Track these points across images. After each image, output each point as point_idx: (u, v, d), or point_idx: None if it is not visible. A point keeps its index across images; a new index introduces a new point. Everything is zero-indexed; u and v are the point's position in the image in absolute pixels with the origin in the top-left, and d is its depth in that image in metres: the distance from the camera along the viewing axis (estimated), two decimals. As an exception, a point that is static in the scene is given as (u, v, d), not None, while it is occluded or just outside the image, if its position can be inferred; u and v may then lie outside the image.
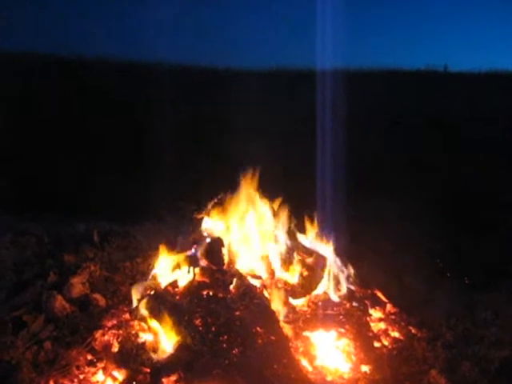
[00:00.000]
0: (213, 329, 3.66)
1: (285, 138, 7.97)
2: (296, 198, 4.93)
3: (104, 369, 3.82)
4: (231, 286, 3.98)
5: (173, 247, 4.25)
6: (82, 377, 3.85)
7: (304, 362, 3.99)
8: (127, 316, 4.06)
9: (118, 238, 5.85)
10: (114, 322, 4.14)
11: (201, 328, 3.65)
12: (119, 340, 3.90)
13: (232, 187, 4.46)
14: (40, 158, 8.58)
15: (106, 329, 4.07)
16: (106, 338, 4.03)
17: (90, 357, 3.95)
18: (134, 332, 3.90)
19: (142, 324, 3.90)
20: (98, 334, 4.02)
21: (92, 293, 4.82)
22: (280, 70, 13.76)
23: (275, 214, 4.59)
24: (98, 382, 3.81)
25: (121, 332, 3.96)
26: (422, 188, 7.87)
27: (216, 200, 4.46)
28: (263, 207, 4.54)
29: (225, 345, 3.60)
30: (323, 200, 5.51)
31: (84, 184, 7.78)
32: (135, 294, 4.06)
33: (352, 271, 4.83)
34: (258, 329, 3.79)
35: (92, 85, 10.58)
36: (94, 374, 3.86)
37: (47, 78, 10.70)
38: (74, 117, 9.53)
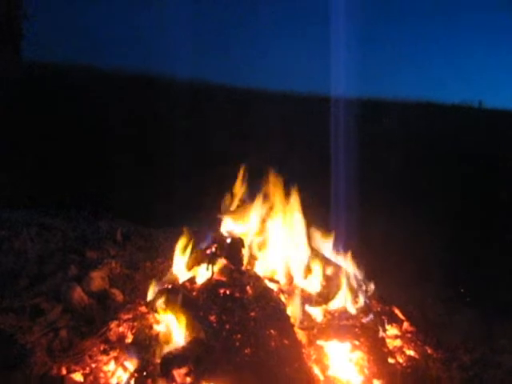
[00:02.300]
0: (227, 326, 3.66)
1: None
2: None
3: (116, 358, 3.84)
4: (248, 287, 3.97)
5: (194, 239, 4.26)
6: (94, 365, 3.87)
7: (316, 371, 3.94)
8: (143, 309, 4.07)
9: (141, 238, 5.91)
10: (130, 315, 4.16)
11: (215, 324, 3.65)
12: (133, 331, 3.92)
13: (255, 190, 4.47)
14: (69, 156, 8.70)
15: (122, 321, 4.09)
16: (121, 329, 4.05)
17: (103, 347, 3.95)
18: (148, 324, 3.91)
19: (157, 317, 3.91)
20: (113, 325, 4.06)
21: (111, 288, 4.85)
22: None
23: (299, 220, 4.57)
24: (109, 371, 3.81)
25: (135, 324, 3.97)
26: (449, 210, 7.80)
27: (239, 201, 4.47)
28: (288, 212, 4.54)
29: (237, 343, 3.59)
30: (343, 214, 5.50)
31: (111, 186, 7.86)
32: (153, 287, 4.08)
33: (371, 285, 4.78)
34: (272, 331, 3.77)
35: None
36: (106, 363, 3.88)
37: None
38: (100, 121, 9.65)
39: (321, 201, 5.38)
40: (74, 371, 3.83)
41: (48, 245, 5.77)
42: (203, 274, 4.09)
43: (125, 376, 3.70)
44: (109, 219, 6.46)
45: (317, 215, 4.90)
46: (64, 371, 3.84)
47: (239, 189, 4.68)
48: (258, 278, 4.11)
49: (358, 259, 4.95)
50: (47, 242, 5.84)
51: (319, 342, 4.17)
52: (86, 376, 3.80)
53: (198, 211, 5.08)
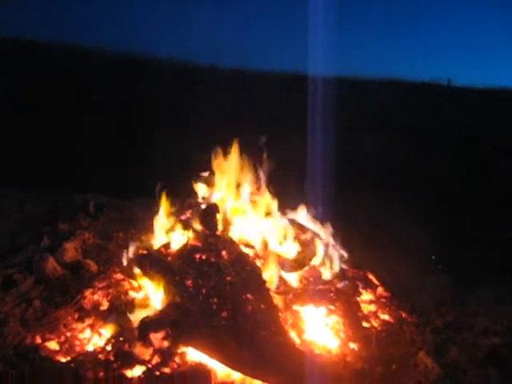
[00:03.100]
0: (203, 291, 3.65)
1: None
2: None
3: (91, 326, 3.81)
4: (223, 252, 3.95)
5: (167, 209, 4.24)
6: (69, 334, 3.83)
7: (292, 335, 3.96)
8: (118, 276, 4.04)
9: (114, 210, 5.85)
10: (105, 283, 4.13)
11: (191, 289, 3.64)
12: (108, 298, 3.89)
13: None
14: (42, 132, 8.57)
15: (96, 289, 4.06)
16: (96, 297, 4.03)
17: (78, 315, 3.92)
18: (123, 290, 3.88)
19: (133, 283, 3.89)
20: (87, 293, 4.03)
21: (84, 259, 4.80)
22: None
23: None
24: (84, 338, 3.78)
25: (111, 291, 3.94)
26: (421, 186, 7.86)
27: (211, 170, 4.45)
28: (261, 180, 4.53)
29: (214, 307, 3.59)
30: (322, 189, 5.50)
31: (84, 160, 7.77)
32: (128, 254, 4.05)
33: (345, 252, 4.81)
34: (249, 295, 3.77)
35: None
36: (81, 331, 3.86)
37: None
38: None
39: (299, 176, 5.35)
40: (49, 340, 3.80)
41: (20, 218, 5.68)
42: (178, 239, 4.06)
43: (101, 342, 3.66)
44: (82, 192, 6.35)
45: (295, 189, 4.91)
46: (39, 340, 3.80)
47: (214, 160, 4.65)
48: (233, 243, 4.10)
49: (334, 228, 4.96)
50: (20, 215, 5.74)
51: (295, 307, 4.18)
52: (61, 344, 3.77)
53: (172, 183, 5.01)
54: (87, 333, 3.82)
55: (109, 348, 3.53)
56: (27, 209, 5.84)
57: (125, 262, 4.05)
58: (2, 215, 5.65)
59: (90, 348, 3.68)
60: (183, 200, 4.38)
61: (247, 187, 4.48)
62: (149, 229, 4.28)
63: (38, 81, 9.86)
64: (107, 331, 3.71)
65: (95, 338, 3.75)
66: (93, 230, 5.34)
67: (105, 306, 3.92)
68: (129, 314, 3.68)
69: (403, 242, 5.85)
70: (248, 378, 3.49)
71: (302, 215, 4.79)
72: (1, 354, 3.61)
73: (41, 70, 10.50)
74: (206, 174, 4.54)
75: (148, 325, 3.44)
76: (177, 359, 3.42)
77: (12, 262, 4.72)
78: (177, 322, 3.45)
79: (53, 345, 3.75)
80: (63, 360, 3.59)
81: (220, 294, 3.68)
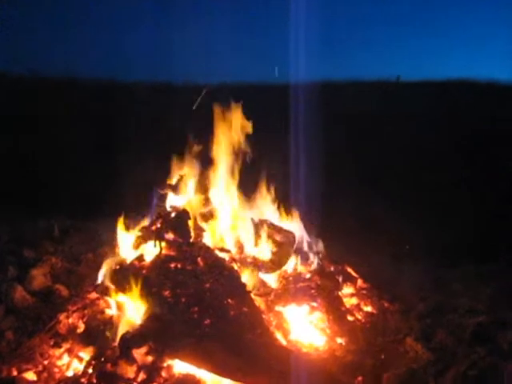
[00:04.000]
0: (182, 300, 3.53)
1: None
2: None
3: (69, 351, 3.65)
4: (199, 259, 3.84)
5: (135, 222, 4.11)
6: (46, 362, 3.67)
7: (278, 336, 3.87)
8: (92, 296, 3.88)
9: (80, 232, 5.69)
10: (79, 305, 3.96)
11: (170, 299, 3.52)
12: (84, 320, 3.73)
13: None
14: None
15: (70, 312, 3.89)
16: (71, 320, 3.86)
17: (54, 341, 3.76)
18: (99, 310, 3.74)
19: (108, 300, 3.74)
20: (61, 317, 3.86)
21: (54, 284, 4.64)
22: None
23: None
24: (63, 365, 3.62)
25: (86, 312, 3.79)
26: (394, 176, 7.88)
27: (180, 175, 4.34)
28: (230, 183, 4.44)
29: (196, 315, 3.48)
30: (297, 183, 5.43)
31: (45, 183, 7.57)
32: (101, 271, 3.90)
33: (322, 247, 4.75)
34: (230, 300, 3.67)
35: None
36: (59, 357, 3.69)
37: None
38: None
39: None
40: (26, 370, 3.61)
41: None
42: (151, 251, 3.93)
43: (81, 366, 3.50)
44: (46, 218, 6.17)
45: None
46: (15, 372, 3.61)
47: (178, 166, 4.55)
48: (208, 249, 4.00)
49: (308, 224, 4.89)
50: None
51: (278, 308, 4.10)
52: (39, 374, 3.60)
53: (135, 199, 4.89)
54: (66, 358, 3.66)
55: (90, 371, 3.36)
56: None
57: (99, 280, 3.89)
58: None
59: (70, 373, 3.52)
60: (151, 211, 4.24)
61: (215, 190, 4.38)
62: (119, 245, 4.12)
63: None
64: (86, 354, 3.54)
65: (75, 363, 3.59)
66: (60, 254, 5.20)
67: (81, 328, 3.75)
68: (107, 333, 3.51)
69: (377, 231, 5.81)
70: (239, 384, 3.38)
71: (274, 214, 4.70)
72: (-24, 390, 3.42)
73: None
74: (171, 181, 4.42)
75: (129, 341, 3.30)
76: (163, 373, 3.28)
77: (-22, 295, 4.52)
78: (159, 335, 3.31)
79: (30, 375, 3.58)
80: (43, 390, 3.41)
81: (200, 301, 3.56)
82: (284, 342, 3.84)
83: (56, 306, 4.34)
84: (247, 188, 4.73)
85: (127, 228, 4.12)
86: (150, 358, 3.28)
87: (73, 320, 3.86)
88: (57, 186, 7.40)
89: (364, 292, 4.68)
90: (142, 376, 3.24)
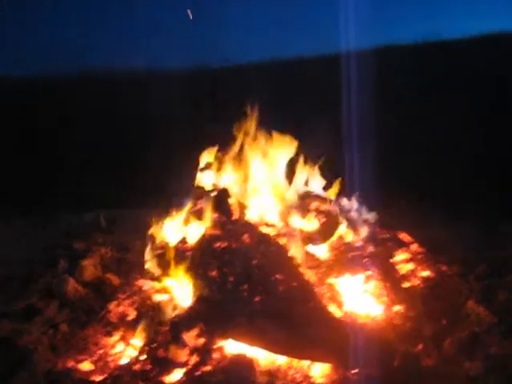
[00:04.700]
0: (231, 279, 3.45)
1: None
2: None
3: (122, 338, 3.63)
4: (244, 236, 3.75)
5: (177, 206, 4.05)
6: (101, 351, 3.65)
7: (332, 308, 3.75)
8: (140, 283, 3.85)
9: (126, 221, 5.69)
10: (128, 293, 3.93)
11: (218, 279, 3.43)
12: (134, 307, 3.70)
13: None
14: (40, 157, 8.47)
15: (120, 300, 3.87)
16: (121, 308, 3.83)
17: (106, 330, 3.75)
18: (148, 295, 3.70)
19: (156, 285, 3.69)
20: (111, 306, 3.84)
21: (105, 274, 4.63)
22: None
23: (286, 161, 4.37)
24: (117, 353, 3.60)
25: (135, 299, 3.75)
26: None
27: (219, 152, 4.24)
28: (273, 154, 4.32)
29: (245, 293, 3.39)
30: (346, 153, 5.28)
31: (87, 179, 7.63)
32: (146, 257, 3.85)
33: (372, 215, 4.58)
34: (278, 276, 3.57)
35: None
36: (113, 346, 3.66)
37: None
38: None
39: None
40: (81, 361, 3.60)
41: (34, 246, 5.52)
42: (195, 232, 3.86)
43: (135, 353, 3.47)
44: (92, 210, 6.20)
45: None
46: (70, 363, 3.60)
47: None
48: (252, 226, 3.90)
49: (356, 191, 4.73)
50: (33, 243, 5.59)
51: (330, 280, 3.97)
52: (94, 363, 3.59)
53: (178, 186, 4.82)
54: (119, 346, 3.63)
55: (143, 357, 3.32)
56: (40, 236, 5.68)
57: (146, 266, 3.84)
58: (14, 246, 5.49)
59: (124, 361, 3.48)
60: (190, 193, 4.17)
61: (259, 163, 4.26)
62: (163, 229, 4.07)
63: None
64: (139, 340, 3.50)
65: (128, 350, 3.56)
66: (109, 244, 5.16)
67: (132, 315, 3.72)
68: (157, 319, 3.47)
69: (429, 196, 5.61)
70: (294, 361, 3.28)
71: (318, 184, 4.55)
72: (33, 383, 3.42)
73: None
74: (210, 161, 4.33)
75: (179, 324, 3.24)
76: (216, 355, 3.21)
77: (32, 290, 4.54)
78: (209, 316, 3.25)
79: (86, 365, 3.56)
80: (99, 378, 3.39)
81: (248, 279, 3.48)
82: (339, 314, 3.71)
83: (107, 296, 4.31)
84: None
85: (171, 211, 4.05)
86: (201, 341, 3.22)
87: (123, 308, 3.83)
88: (100, 178, 7.45)
89: (420, 257, 4.50)
90: (194, 359, 3.19)
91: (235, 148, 4.27)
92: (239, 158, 4.27)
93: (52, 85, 11.13)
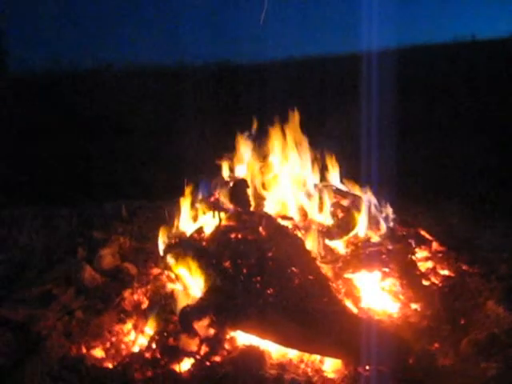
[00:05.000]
0: (244, 270, 3.41)
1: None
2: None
3: (135, 326, 3.62)
4: (260, 228, 3.70)
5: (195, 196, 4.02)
6: (114, 339, 3.65)
7: (348, 304, 3.69)
8: (155, 271, 3.84)
9: (147, 211, 5.67)
10: (143, 281, 3.92)
11: (231, 270, 3.40)
12: (148, 295, 3.69)
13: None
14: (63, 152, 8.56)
15: (135, 288, 3.86)
16: (136, 297, 3.83)
17: (120, 317, 3.74)
18: (161, 284, 3.68)
19: (170, 274, 3.67)
20: (126, 294, 3.84)
21: (123, 263, 4.63)
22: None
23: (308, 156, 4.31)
24: (130, 341, 3.59)
25: (149, 287, 3.74)
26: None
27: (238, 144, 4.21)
28: (293, 148, 4.27)
29: (258, 285, 3.35)
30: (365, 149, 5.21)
31: (108, 169, 7.69)
32: (161, 246, 3.84)
33: (392, 211, 4.50)
34: (294, 269, 3.52)
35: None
36: (127, 334, 3.66)
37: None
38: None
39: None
40: (94, 348, 3.60)
41: (54, 234, 5.54)
42: (211, 222, 3.83)
43: (146, 341, 3.46)
44: (113, 201, 6.21)
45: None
46: (84, 350, 3.60)
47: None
48: (269, 218, 3.85)
49: (377, 187, 4.66)
50: (53, 231, 5.61)
51: (347, 275, 3.91)
52: (107, 350, 3.59)
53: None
54: (132, 334, 3.62)
55: (154, 345, 3.31)
56: (60, 224, 5.70)
57: (160, 254, 3.83)
58: (35, 233, 5.52)
59: (136, 349, 3.48)
60: (208, 182, 4.14)
61: (276, 157, 4.22)
62: (180, 219, 4.05)
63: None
64: (151, 329, 3.49)
65: (140, 339, 3.55)
66: (128, 234, 5.16)
67: (146, 303, 3.71)
68: (169, 307, 3.45)
69: (454, 193, 5.50)
70: (306, 355, 3.23)
71: (337, 177, 4.49)
72: (47, 368, 3.43)
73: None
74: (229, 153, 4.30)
75: (190, 314, 3.21)
76: (226, 345, 3.18)
77: (50, 277, 4.56)
78: (220, 307, 3.21)
79: (99, 352, 3.56)
80: (110, 366, 3.38)
81: (262, 271, 3.44)
82: (355, 310, 3.65)
83: (125, 284, 4.30)
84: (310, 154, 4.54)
85: (188, 201, 4.03)
86: (211, 331, 3.20)
87: (137, 296, 3.83)
88: (119, 170, 7.49)
89: (440, 255, 4.42)
90: (204, 349, 3.16)
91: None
92: (260, 149, 4.22)
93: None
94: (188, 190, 4.05)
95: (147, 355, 3.27)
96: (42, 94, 10.68)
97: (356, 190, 4.52)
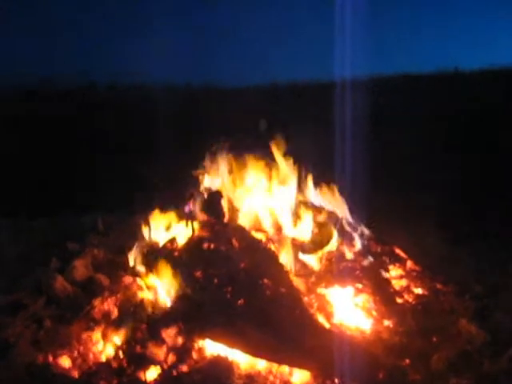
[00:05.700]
0: (215, 280, 3.39)
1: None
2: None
3: (104, 335, 3.56)
4: (233, 240, 3.69)
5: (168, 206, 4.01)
6: (81, 348, 3.58)
7: (320, 318, 3.67)
8: (126, 280, 3.79)
9: (124, 225, 5.63)
10: (114, 291, 3.88)
11: (201, 280, 3.38)
12: (118, 304, 3.64)
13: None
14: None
15: (105, 297, 3.81)
16: (106, 306, 3.77)
17: (88, 325, 3.69)
18: (131, 293, 3.64)
19: (140, 283, 3.64)
20: (96, 302, 3.77)
21: (95, 274, 4.58)
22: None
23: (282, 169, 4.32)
24: (97, 350, 3.54)
25: (119, 296, 3.70)
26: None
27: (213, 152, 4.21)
28: (269, 162, 4.28)
29: (228, 295, 3.33)
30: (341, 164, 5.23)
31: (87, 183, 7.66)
32: (132, 255, 3.81)
33: (367, 228, 4.51)
34: (266, 281, 3.50)
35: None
36: (94, 343, 3.60)
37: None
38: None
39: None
40: (61, 356, 3.53)
41: (28, 244, 5.50)
42: (184, 233, 3.81)
43: (114, 350, 3.41)
44: (90, 214, 6.17)
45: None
46: (51, 358, 3.54)
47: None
48: (242, 230, 3.84)
49: (353, 203, 4.67)
50: (27, 242, 5.56)
51: (319, 290, 3.89)
52: (74, 359, 3.53)
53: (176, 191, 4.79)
54: (100, 343, 3.56)
55: (121, 354, 3.26)
56: (36, 235, 5.65)
57: (131, 263, 3.80)
58: (11, 243, 5.47)
59: (103, 358, 3.42)
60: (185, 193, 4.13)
61: (252, 171, 4.22)
62: (152, 228, 4.03)
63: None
64: (119, 337, 3.44)
65: (108, 348, 3.49)
66: (103, 246, 5.11)
67: (115, 312, 3.66)
68: (138, 315, 3.41)
69: (428, 215, 5.53)
70: (275, 366, 3.20)
71: (315, 194, 4.49)
72: (13, 374, 3.37)
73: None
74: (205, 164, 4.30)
75: (158, 322, 3.19)
76: (194, 355, 3.14)
77: (21, 286, 4.51)
78: (189, 315, 3.18)
79: (66, 361, 3.50)
80: (77, 374, 3.33)
81: (233, 281, 3.42)
82: (327, 325, 3.63)
83: (96, 295, 4.26)
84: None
85: (161, 212, 4.01)
86: (179, 339, 3.16)
87: (107, 305, 3.78)
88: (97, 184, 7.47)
89: (414, 274, 4.42)
90: (171, 357, 3.12)
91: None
92: (236, 162, 4.23)
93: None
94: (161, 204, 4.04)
95: (114, 364, 3.22)
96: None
97: (334, 200, 4.50)
